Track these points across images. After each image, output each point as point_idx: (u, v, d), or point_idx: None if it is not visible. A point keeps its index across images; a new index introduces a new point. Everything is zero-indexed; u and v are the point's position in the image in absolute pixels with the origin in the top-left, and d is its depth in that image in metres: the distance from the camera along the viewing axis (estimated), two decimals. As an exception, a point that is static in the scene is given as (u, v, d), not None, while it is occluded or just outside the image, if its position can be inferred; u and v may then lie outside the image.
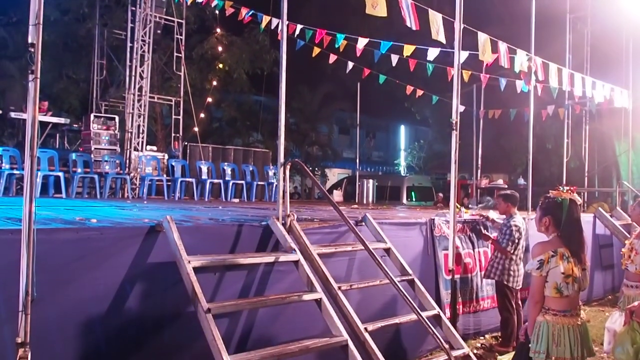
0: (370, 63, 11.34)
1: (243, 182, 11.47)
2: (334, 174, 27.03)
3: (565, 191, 3.06)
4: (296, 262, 4.06)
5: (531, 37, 8.01)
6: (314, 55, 10.42)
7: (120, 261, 3.44)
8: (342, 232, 4.79)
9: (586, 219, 8.60)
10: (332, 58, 10.75)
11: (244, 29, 16.43)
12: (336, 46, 9.76)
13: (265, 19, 9.70)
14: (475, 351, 5.49)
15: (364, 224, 4.96)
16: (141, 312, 3.50)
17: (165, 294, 3.62)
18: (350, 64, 11.17)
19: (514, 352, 3.23)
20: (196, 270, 3.45)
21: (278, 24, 8.80)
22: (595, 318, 6.95)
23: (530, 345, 3.00)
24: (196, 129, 12.49)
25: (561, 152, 11.24)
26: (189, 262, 3.44)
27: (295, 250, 4.09)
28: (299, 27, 9.46)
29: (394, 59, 10.06)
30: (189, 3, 11.35)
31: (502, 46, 7.52)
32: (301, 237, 4.25)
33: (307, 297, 3.88)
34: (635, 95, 11.32)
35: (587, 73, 11.03)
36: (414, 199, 16.73)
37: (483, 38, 7.04)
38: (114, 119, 11.00)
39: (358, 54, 9.84)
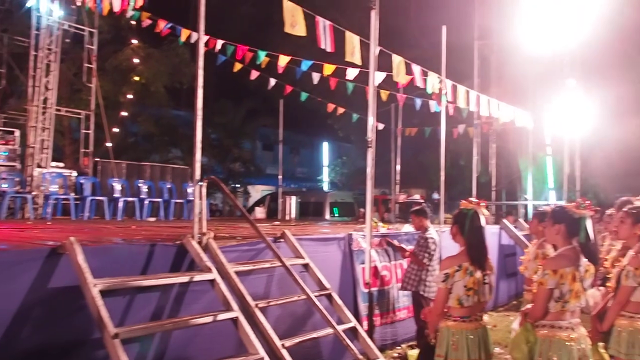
0: (293, 79, 11.44)
1: (160, 200, 11.07)
2: (257, 191, 26.83)
3: (473, 203, 3.28)
4: (212, 281, 3.98)
5: (442, 61, 8.45)
6: (235, 70, 10.35)
7: (16, 287, 3.19)
8: (261, 249, 4.75)
9: (492, 230, 9.14)
10: (254, 74, 10.73)
11: (163, 41, 16.02)
12: (258, 62, 9.75)
13: (184, 33, 9.51)
14: (392, 361, 5.65)
15: (282, 240, 4.96)
16: (42, 341, 3.26)
17: (69, 320, 3.40)
18: (273, 81, 11.21)
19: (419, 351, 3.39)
20: (103, 293, 3.29)
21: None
22: (501, 322, 7.35)
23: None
24: (109, 144, 11.91)
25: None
26: (95, 285, 3.27)
27: (211, 269, 4.01)
28: (220, 42, 9.38)
29: (315, 77, 10.23)
30: (102, 13, 10.87)
31: (416, 68, 7.89)
32: (218, 255, 4.17)
33: (223, 316, 3.81)
34: (534, 116, 12.27)
35: (494, 95, 11.80)
36: (336, 215, 16.95)
37: (397, 60, 7.35)
38: (13, 132, 10.23)
39: (280, 72, 9.90)
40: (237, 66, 10.20)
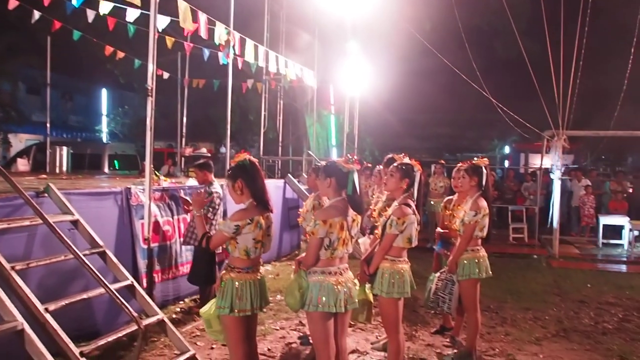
0: (63, 15, 9.96)
1: None
2: (21, 140, 23.27)
3: (244, 153, 3.37)
4: (-49, 245, 3.36)
5: (230, 12, 8.32)
6: (-14, -4, 8.57)
7: None
8: (20, 205, 4.17)
9: (277, 184, 9.61)
10: (13, 4, 9.02)
11: None
12: (17, -9, 8.22)
13: None
14: (174, 316, 5.61)
15: (46, 195, 4.41)
16: None
17: None
18: (37, 14, 9.63)
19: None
20: None
21: None
22: (284, 272, 7.91)
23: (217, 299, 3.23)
24: None
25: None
26: None
27: (-51, 230, 3.37)
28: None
29: (90, 14, 9.13)
30: None
31: (202, 17, 7.60)
32: (-41, 213, 3.52)
33: (-32, 284, 3.26)
34: (319, 76, 13.04)
35: (282, 52, 12.14)
36: (117, 168, 15.79)
37: (183, 6, 6.99)
38: None
39: (46, 3, 8.50)
40: (-11, -10, 8.47)
